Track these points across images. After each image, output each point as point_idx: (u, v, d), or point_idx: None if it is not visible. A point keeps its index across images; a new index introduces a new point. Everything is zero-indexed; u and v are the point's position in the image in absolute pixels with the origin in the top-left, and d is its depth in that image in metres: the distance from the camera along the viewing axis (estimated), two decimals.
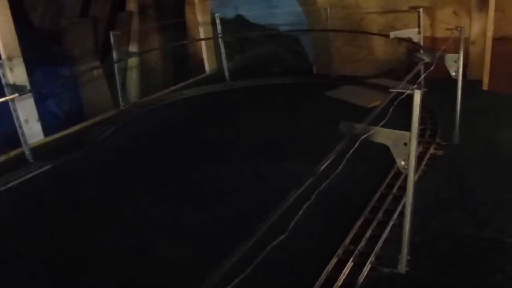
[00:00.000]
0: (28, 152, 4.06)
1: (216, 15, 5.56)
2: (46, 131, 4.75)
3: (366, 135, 2.06)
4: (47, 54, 6.40)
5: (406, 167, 2.10)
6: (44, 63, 6.24)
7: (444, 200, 2.79)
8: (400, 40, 4.67)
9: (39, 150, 4.26)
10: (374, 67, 5.95)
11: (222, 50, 5.66)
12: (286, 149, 3.64)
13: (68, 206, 3.20)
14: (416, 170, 3.07)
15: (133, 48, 7.15)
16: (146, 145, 4.22)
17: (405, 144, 2.06)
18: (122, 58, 5.13)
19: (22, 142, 4.08)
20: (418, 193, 2.87)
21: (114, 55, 4.97)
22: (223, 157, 3.69)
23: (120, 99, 5.22)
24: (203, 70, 6.49)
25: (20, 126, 4.07)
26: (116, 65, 5.15)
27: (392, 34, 4.57)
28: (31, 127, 4.56)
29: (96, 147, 4.25)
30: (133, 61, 7.14)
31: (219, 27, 5.52)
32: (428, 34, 5.54)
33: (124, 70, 7.17)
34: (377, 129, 2.08)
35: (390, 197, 2.83)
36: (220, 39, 5.63)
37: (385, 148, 2.09)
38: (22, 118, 4.46)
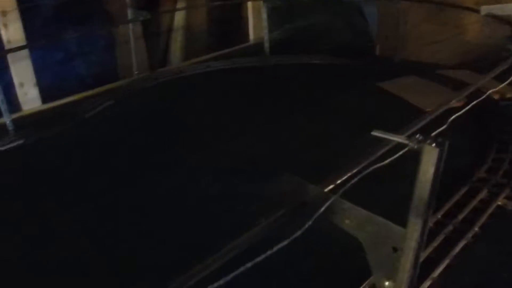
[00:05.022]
0: (8, 122, 3.57)
1: None
2: (65, 93, 4.25)
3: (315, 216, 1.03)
4: (81, 7, 5.86)
5: None
6: (76, 17, 5.73)
7: None
8: (495, 19, 3.27)
9: (28, 119, 3.78)
10: (461, 52, 4.49)
11: (264, 16, 4.61)
12: (285, 162, 2.62)
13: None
14: (462, 235, 1.92)
15: (180, 4, 6.37)
16: (125, 131, 3.46)
17: (395, 249, 0.99)
18: (137, 19, 4.35)
19: (2, 109, 3.57)
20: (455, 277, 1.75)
21: (129, 14, 4.27)
22: (194, 160, 2.81)
23: (134, 67, 4.49)
24: (248, 39, 5.50)
25: None
26: (131, 26, 4.45)
27: (484, 9, 3.20)
28: (26, 92, 4.04)
29: (75, 126, 3.63)
30: (179, 22, 6.35)
31: None
32: None
33: (168, 31, 6.43)
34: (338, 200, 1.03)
35: None
36: (263, 3, 4.57)
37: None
38: (16, 81, 3.99)
